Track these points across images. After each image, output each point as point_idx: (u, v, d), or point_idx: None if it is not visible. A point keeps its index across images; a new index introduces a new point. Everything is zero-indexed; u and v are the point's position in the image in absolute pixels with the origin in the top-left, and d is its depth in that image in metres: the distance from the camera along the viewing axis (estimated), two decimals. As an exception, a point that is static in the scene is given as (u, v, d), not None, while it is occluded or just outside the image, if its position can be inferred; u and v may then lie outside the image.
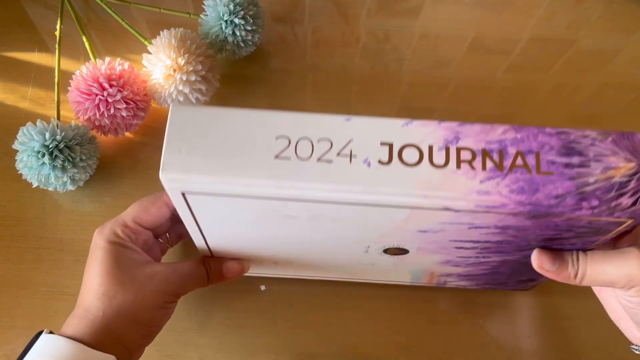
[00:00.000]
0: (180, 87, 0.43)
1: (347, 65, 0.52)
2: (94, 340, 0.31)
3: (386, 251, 0.34)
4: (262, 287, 0.42)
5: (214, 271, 0.37)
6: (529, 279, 0.34)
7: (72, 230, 0.43)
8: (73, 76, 0.44)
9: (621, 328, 0.34)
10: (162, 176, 0.26)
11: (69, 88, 0.43)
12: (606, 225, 0.27)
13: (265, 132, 0.27)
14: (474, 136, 0.27)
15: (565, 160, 0.26)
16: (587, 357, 0.41)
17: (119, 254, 0.34)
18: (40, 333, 0.32)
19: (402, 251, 0.34)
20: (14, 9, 0.54)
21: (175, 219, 0.36)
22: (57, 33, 0.47)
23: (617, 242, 0.31)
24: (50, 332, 0.32)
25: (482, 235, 0.30)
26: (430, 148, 0.27)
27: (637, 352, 0.33)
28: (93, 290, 0.33)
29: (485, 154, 0.26)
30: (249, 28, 0.46)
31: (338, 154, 0.27)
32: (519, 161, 0.26)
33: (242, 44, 0.48)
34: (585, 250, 0.31)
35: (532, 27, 0.55)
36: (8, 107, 0.48)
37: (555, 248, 0.31)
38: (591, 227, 0.28)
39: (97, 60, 0.44)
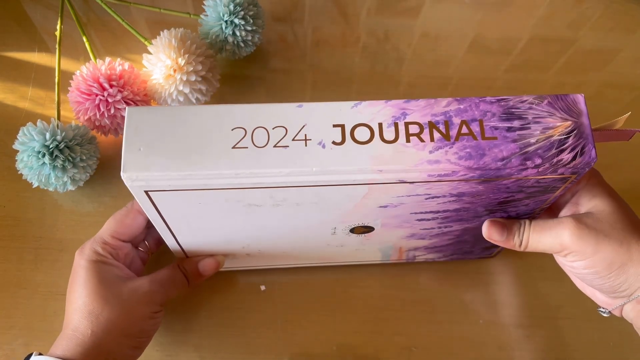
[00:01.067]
0: (181, 87, 0.43)
1: (347, 65, 0.52)
2: (85, 358, 0.32)
3: (352, 230, 0.35)
4: (262, 287, 0.42)
5: (191, 272, 0.38)
6: (492, 246, 0.36)
7: (72, 230, 0.43)
8: (73, 76, 0.44)
9: (586, 293, 0.35)
10: (124, 175, 0.27)
11: (69, 88, 0.43)
12: (553, 183, 0.29)
13: (221, 125, 0.28)
14: (419, 111, 0.28)
15: (507, 124, 0.28)
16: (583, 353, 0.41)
17: (102, 271, 0.34)
18: (30, 355, 0.33)
19: (367, 229, 0.35)
20: (14, 9, 0.54)
21: (150, 225, 0.36)
22: (57, 33, 0.47)
23: (559, 210, 0.33)
24: (40, 354, 0.32)
25: (440, 205, 0.32)
26: (380, 125, 0.28)
27: (604, 315, 0.34)
28: (79, 310, 0.33)
29: (432, 126, 0.28)
30: (249, 28, 0.46)
31: (293, 139, 0.28)
32: (464, 129, 0.28)
33: (242, 44, 0.48)
34: (530, 219, 0.33)
35: (532, 26, 0.55)
36: (8, 107, 0.48)
37: (510, 213, 0.33)
38: (539, 185, 0.30)
39: (97, 60, 0.44)
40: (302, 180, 0.28)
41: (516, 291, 0.43)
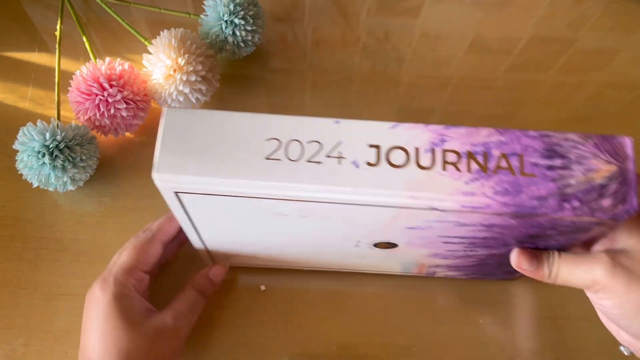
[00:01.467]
0: (181, 87, 0.43)
1: (347, 65, 0.52)
2: None
3: (376, 245, 0.35)
4: (262, 287, 0.42)
5: (207, 287, 0.37)
6: (515, 270, 0.36)
7: (72, 230, 0.43)
8: (73, 76, 0.44)
9: (610, 330, 0.34)
10: (155, 176, 0.27)
11: (69, 88, 0.43)
12: (588, 225, 0.28)
13: (257, 134, 0.28)
14: (459, 139, 0.28)
15: (547, 162, 0.27)
16: (585, 355, 0.41)
17: (128, 307, 0.33)
18: None
19: (391, 245, 0.35)
20: (14, 9, 0.54)
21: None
22: (57, 33, 0.47)
23: (592, 244, 0.32)
24: None
25: (469, 232, 0.31)
26: (417, 150, 0.27)
27: (626, 354, 0.34)
28: (106, 350, 0.32)
29: (470, 156, 0.27)
30: (249, 28, 0.46)
31: (327, 156, 0.27)
32: (503, 163, 0.27)
33: (242, 44, 0.48)
34: (561, 251, 0.32)
35: (532, 26, 0.55)
36: (8, 107, 0.48)
37: (539, 245, 0.32)
38: (574, 226, 0.29)
39: (97, 60, 0.44)
40: (333, 198, 0.28)
41: (516, 291, 0.43)
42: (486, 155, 0.27)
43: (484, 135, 0.28)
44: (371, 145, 0.27)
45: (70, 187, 0.42)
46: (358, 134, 0.28)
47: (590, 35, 0.55)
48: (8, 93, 0.49)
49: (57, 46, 0.46)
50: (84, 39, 0.47)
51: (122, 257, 0.35)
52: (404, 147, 0.27)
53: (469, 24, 0.55)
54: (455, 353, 0.41)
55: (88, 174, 0.43)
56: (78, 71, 0.43)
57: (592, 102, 0.52)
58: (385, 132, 0.28)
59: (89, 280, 0.40)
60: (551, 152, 0.27)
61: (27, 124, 0.41)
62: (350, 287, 0.42)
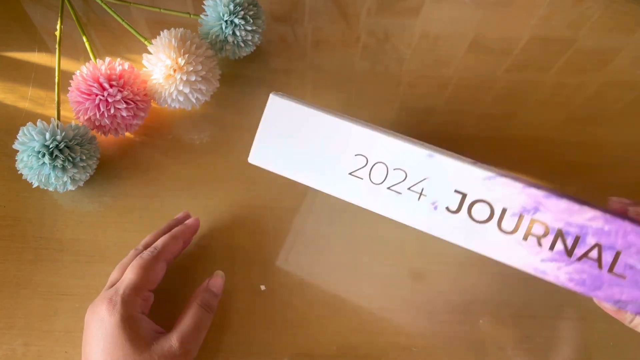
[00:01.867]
0: (181, 87, 0.43)
1: (347, 65, 0.52)
2: None
3: None
4: (262, 287, 0.42)
5: (210, 300, 0.37)
6: None
7: (72, 230, 0.43)
8: (73, 76, 0.44)
9: None
10: (250, 160, 0.30)
11: (69, 88, 0.43)
12: None
13: (348, 147, 0.28)
14: (555, 212, 0.25)
15: None
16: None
17: (134, 330, 0.32)
18: None
19: None
20: (14, 9, 0.54)
21: None
22: (57, 33, 0.47)
23: None
24: None
25: None
26: (504, 211, 0.25)
27: None
28: None
29: (560, 234, 0.25)
30: (249, 28, 0.46)
31: (409, 189, 0.27)
32: (594, 254, 0.24)
33: (242, 44, 0.48)
34: None
35: (532, 26, 0.55)
36: (8, 107, 0.48)
37: None
38: None
39: (97, 60, 0.44)
40: (403, 226, 0.27)
41: (516, 291, 0.43)
42: (578, 239, 0.24)
43: (585, 217, 0.24)
44: (457, 192, 0.26)
45: (70, 187, 0.42)
46: (448, 175, 0.26)
47: (590, 35, 0.55)
48: (8, 93, 0.49)
49: (57, 46, 0.46)
50: (84, 39, 0.47)
51: (129, 276, 0.34)
52: (492, 203, 0.25)
53: (469, 24, 0.55)
54: (455, 353, 0.41)
55: (88, 174, 0.43)
56: (78, 71, 0.43)
57: (592, 102, 0.52)
58: (478, 182, 0.26)
59: (89, 280, 0.40)
60: None
61: (27, 124, 0.41)
62: (350, 287, 0.42)
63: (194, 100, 0.45)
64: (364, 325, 0.41)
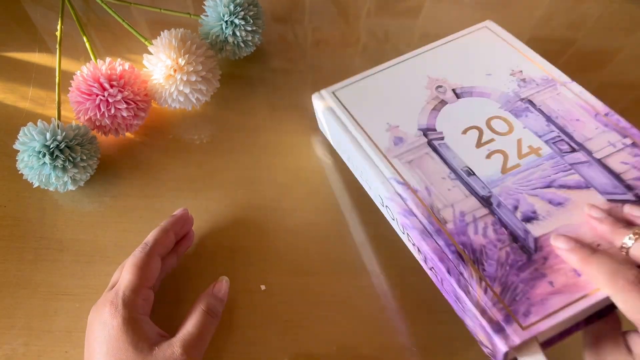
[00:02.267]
0: (181, 87, 0.43)
1: (347, 65, 0.52)
2: None
3: None
4: (262, 287, 0.42)
5: (216, 305, 0.37)
6: None
7: (72, 230, 0.43)
8: (74, 76, 0.44)
9: None
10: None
11: (69, 88, 0.44)
12: None
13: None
14: None
15: None
16: None
17: (137, 333, 0.32)
18: None
19: None
20: (14, 9, 0.54)
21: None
22: (57, 33, 0.47)
23: None
24: None
25: None
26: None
27: None
28: None
29: None
30: (249, 28, 0.46)
31: None
32: None
33: (243, 45, 0.48)
34: None
35: (532, 27, 0.55)
36: (8, 107, 0.48)
37: None
38: None
39: (97, 60, 0.44)
40: None
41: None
42: None
43: None
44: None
45: (71, 187, 0.42)
46: None
47: (590, 35, 0.55)
48: (8, 93, 0.49)
49: (57, 46, 0.46)
50: (85, 39, 0.47)
51: (125, 277, 0.34)
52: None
53: (469, 24, 0.55)
54: (455, 353, 0.41)
55: (88, 174, 0.43)
56: (78, 71, 0.43)
57: (592, 102, 0.52)
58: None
59: (89, 280, 0.40)
60: None
61: (28, 124, 0.41)
62: (351, 287, 0.42)
63: (194, 101, 0.45)
64: (364, 325, 0.41)
